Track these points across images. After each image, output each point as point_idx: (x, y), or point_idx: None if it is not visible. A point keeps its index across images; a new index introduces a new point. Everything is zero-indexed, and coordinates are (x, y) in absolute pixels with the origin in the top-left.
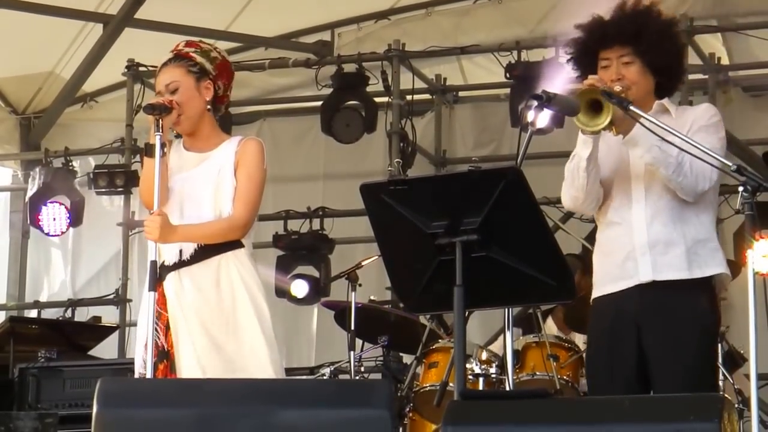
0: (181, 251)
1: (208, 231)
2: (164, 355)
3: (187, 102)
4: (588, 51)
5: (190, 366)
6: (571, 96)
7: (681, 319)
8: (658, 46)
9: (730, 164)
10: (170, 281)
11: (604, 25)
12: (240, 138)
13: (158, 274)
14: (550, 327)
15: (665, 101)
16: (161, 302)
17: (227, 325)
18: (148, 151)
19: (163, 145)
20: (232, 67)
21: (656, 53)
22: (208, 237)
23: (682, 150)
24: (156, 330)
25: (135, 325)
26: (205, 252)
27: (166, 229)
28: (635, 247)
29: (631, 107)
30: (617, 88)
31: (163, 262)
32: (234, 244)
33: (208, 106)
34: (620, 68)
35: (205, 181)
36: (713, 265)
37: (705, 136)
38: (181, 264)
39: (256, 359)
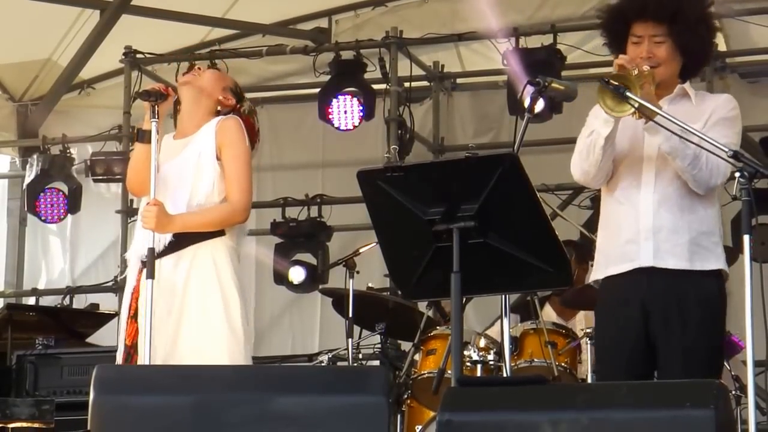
0: (158, 238)
1: (209, 218)
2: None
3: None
4: (622, 20)
5: (153, 357)
6: (567, 81)
7: (688, 305)
8: (693, 29)
9: (727, 150)
10: (136, 272)
11: None
12: (218, 118)
13: (143, 263)
14: (548, 314)
15: (687, 85)
16: (135, 293)
17: (190, 315)
18: (141, 136)
19: (157, 132)
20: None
21: (690, 36)
22: (209, 224)
23: (692, 143)
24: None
25: None
26: (179, 242)
27: (164, 219)
28: (639, 231)
29: (628, 94)
30: (645, 67)
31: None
32: (213, 233)
33: (219, 107)
34: (651, 47)
35: (187, 166)
36: (713, 260)
37: (722, 129)
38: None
39: (216, 350)
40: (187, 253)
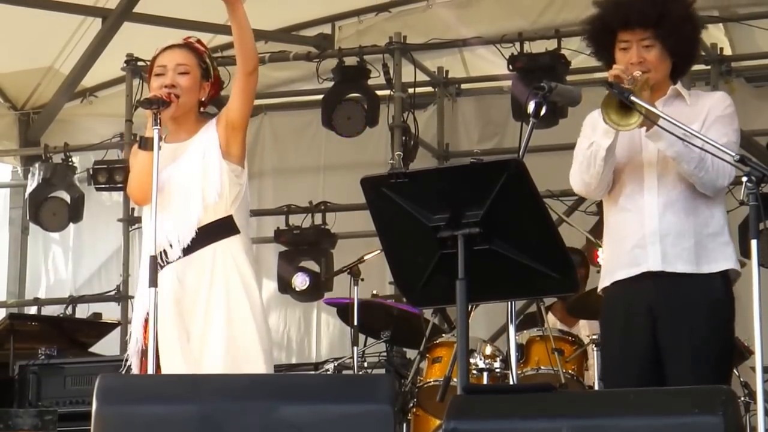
0: (178, 240)
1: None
2: (142, 353)
3: (189, 89)
4: (607, 30)
5: (175, 364)
6: (572, 86)
7: (696, 308)
8: (680, 30)
9: (734, 154)
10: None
11: (627, 7)
12: (215, 117)
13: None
14: (550, 322)
15: (679, 86)
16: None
17: (218, 315)
18: (144, 144)
19: (160, 139)
20: (222, 85)
21: (678, 38)
22: (251, 38)
23: (696, 146)
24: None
25: None
26: (200, 240)
27: None
28: (645, 235)
29: (633, 98)
30: (637, 73)
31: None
32: (230, 231)
33: (200, 105)
34: (641, 51)
35: (191, 169)
36: (722, 260)
37: (721, 128)
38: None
39: (248, 350)
40: (208, 251)
